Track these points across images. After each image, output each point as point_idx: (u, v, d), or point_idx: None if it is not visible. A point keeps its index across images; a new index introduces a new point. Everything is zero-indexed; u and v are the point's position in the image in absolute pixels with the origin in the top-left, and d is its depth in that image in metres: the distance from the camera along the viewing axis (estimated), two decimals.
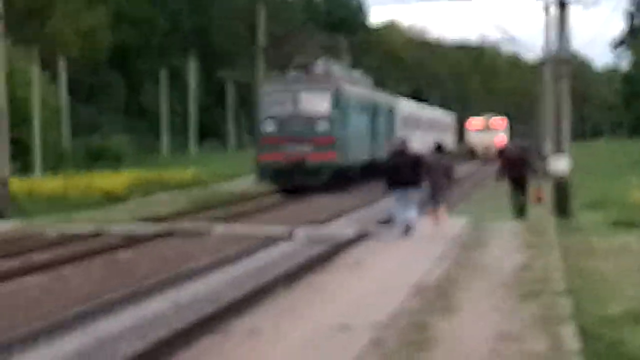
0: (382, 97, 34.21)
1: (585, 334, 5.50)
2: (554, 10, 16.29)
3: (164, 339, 5.66)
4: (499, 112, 54.23)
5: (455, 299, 7.26)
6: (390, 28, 70.02)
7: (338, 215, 17.90)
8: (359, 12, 62.27)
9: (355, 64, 41.75)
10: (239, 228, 15.04)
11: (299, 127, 26.94)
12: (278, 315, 6.91)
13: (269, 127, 28.12)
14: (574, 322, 5.90)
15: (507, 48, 57.50)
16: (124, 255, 13.76)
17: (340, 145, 28.79)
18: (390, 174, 12.23)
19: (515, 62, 64.31)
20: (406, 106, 35.39)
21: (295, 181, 27.95)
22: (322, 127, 26.80)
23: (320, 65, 32.32)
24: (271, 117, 29.38)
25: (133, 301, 8.53)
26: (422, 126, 38.96)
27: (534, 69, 46.16)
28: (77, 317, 7.58)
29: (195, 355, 5.34)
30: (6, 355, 5.93)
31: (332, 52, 38.25)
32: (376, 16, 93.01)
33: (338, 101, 28.43)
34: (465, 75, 70.58)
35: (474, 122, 51.24)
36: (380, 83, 41.52)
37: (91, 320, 7.25)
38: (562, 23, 15.03)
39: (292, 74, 30.22)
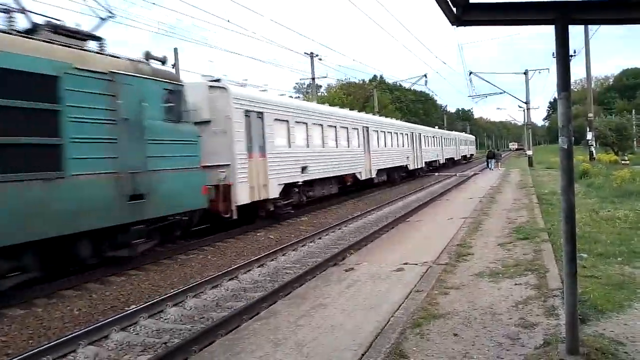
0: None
1: (538, 197, 15.20)
2: (525, 110, 45.62)
3: (407, 212, 14.56)
4: (515, 141, 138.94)
5: (501, 189, 19.07)
6: (479, 118, 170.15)
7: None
8: (472, 113, 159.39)
9: (470, 131, 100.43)
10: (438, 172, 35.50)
11: None
12: (435, 207, 15.66)
13: None
14: (535, 194, 15.98)
15: (517, 122, 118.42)
16: (363, 194, 22.38)
17: None
18: (488, 155, 41.33)
19: (519, 127, 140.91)
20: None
21: None
22: None
23: None
24: None
25: (388, 204, 17.15)
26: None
27: (522, 127, 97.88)
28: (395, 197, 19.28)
29: (408, 222, 12.58)
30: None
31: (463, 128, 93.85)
32: (477, 114, 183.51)
33: None
34: (498, 129, 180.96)
35: (511, 143, 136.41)
36: (472, 133, 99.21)
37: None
38: (529, 117, 44.87)
39: None
